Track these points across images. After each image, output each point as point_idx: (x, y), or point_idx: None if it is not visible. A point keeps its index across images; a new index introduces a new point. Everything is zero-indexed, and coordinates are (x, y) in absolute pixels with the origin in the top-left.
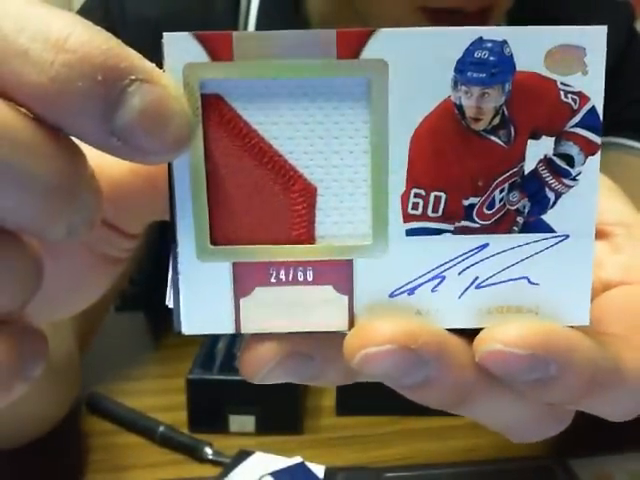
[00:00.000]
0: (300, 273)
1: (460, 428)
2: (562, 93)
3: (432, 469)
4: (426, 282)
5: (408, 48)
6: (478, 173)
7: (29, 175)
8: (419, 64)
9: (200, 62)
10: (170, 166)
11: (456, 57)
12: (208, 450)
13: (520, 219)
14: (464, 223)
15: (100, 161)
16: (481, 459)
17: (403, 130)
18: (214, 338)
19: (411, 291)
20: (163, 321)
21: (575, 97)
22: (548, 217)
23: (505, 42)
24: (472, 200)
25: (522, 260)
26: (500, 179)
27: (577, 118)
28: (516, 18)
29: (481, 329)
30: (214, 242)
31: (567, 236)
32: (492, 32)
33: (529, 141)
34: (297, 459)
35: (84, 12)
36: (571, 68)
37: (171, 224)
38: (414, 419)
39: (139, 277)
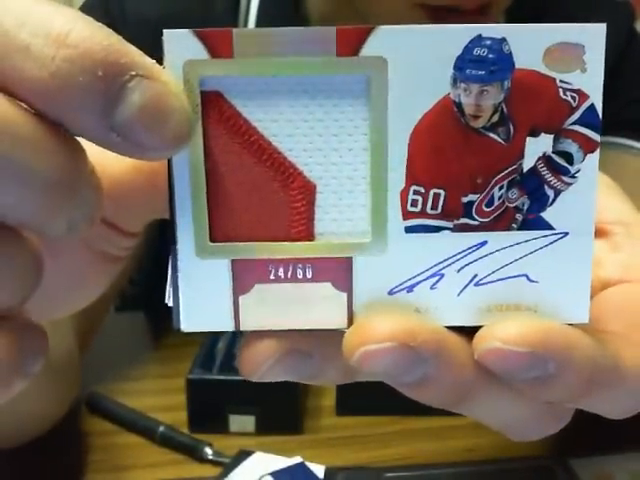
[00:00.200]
0: (299, 270)
1: (460, 428)
2: (561, 91)
3: (432, 469)
4: (425, 279)
5: (407, 45)
6: (477, 170)
7: (30, 170)
8: (418, 61)
9: (200, 59)
10: (170, 163)
11: (455, 54)
12: (208, 450)
13: (519, 216)
14: (463, 220)
15: (100, 159)
16: (481, 459)
17: (402, 127)
18: (214, 338)
19: (410, 288)
20: (163, 321)
21: (574, 95)
22: (547, 215)
23: (504, 40)
24: (471, 197)
25: (521, 258)
26: (499, 176)
27: (576, 116)
28: (515, 17)
29: (480, 327)
30: (213, 239)
31: (566, 234)
32: (491, 29)
33: (528, 138)
34: (297, 459)
35: (84, 11)
36: (570, 66)
37: (170, 221)
38: (414, 419)
39: (139, 277)
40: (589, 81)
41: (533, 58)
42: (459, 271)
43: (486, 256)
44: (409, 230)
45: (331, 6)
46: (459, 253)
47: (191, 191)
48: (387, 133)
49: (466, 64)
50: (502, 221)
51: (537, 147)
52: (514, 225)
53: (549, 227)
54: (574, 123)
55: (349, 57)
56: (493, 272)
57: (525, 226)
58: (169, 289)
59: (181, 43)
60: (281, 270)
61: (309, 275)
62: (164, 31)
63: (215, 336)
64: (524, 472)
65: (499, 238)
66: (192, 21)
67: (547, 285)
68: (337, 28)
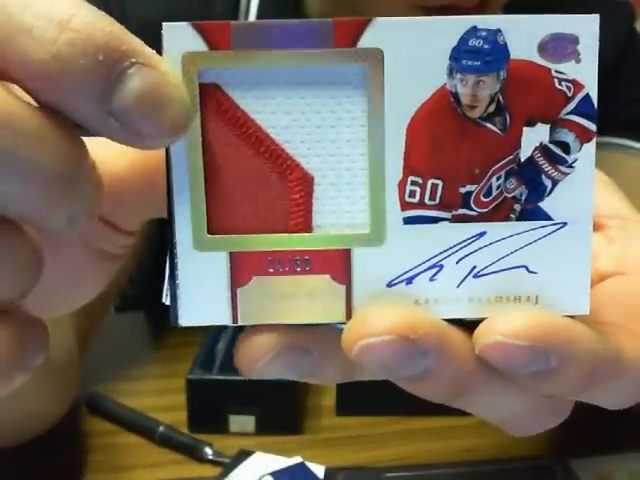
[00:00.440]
0: (298, 263)
1: (460, 428)
2: (556, 81)
3: (432, 469)
4: (424, 271)
5: (404, 37)
6: (474, 161)
7: (32, 163)
8: (415, 53)
9: (198, 51)
10: (168, 155)
11: (451, 45)
12: (208, 450)
13: (517, 207)
14: (461, 211)
15: (100, 156)
16: (481, 459)
17: (399, 118)
18: (214, 338)
19: (409, 280)
20: (163, 321)
21: (569, 85)
22: (545, 205)
23: (499, 31)
24: (469, 188)
25: (520, 248)
26: (496, 166)
27: (572, 105)
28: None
29: (480, 321)
30: (211, 232)
31: (565, 224)
32: (486, 21)
33: (525, 128)
34: (297, 459)
35: None
36: (564, 56)
37: (168, 214)
38: (414, 419)
39: (139, 277)
40: (584, 71)
41: (528, 49)
42: (458, 262)
43: (485, 247)
44: (407, 221)
45: (330, 5)
46: (458, 244)
47: (189, 183)
48: (384, 124)
49: (462, 55)
50: (500, 211)
51: (534, 137)
52: (512, 215)
53: (547, 217)
54: (570, 113)
55: (346, 49)
56: (492, 263)
57: (523, 216)
58: (166, 286)
59: (180, 36)
60: (279, 262)
61: (307, 267)
62: (163, 24)
63: (215, 336)
64: (524, 472)
65: (498, 229)
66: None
67: (547, 276)
68: (334, 20)
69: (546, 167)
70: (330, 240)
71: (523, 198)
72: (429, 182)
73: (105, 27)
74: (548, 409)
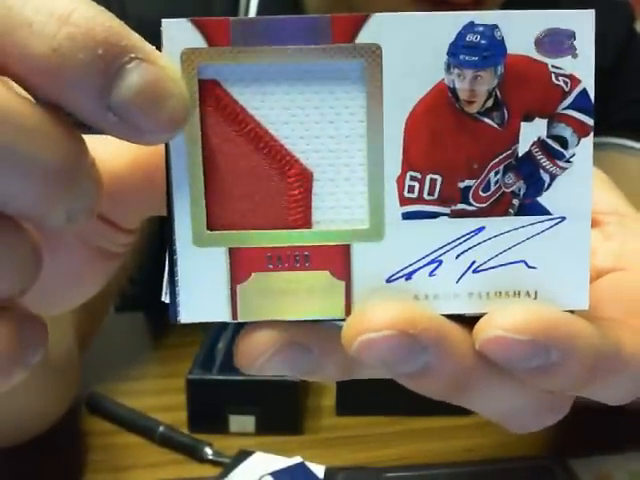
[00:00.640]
0: (297, 258)
1: (460, 428)
2: (553, 76)
3: (432, 469)
4: (423, 266)
5: (402, 32)
6: (473, 155)
7: (32, 160)
8: (413, 48)
9: (198, 47)
10: (167, 151)
11: (448, 41)
12: (208, 450)
13: (516, 201)
14: (460, 206)
15: (99, 154)
16: (481, 459)
17: (398, 113)
18: (214, 338)
19: (408, 276)
20: (163, 321)
21: (566, 79)
22: (544, 199)
23: (496, 26)
24: (467, 183)
25: (519, 243)
26: (495, 161)
27: (569, 100)
28: None
29: (480, 316)
30: (211, 227)
31: (563, 218)
32: (483, 16)
33: (522, 123)
34: (297, 459)
35: None
36: (561, 51)
37: (168, 211)
38: (414, 419)
39: (139, 277)
40: (580, 66)
41: (525, 44)
42: (457, 257)
43: (484, 242)
44: (406, 216)
45: (328, 3)
46: (457, 239)
47: (188, 179)
48: (383, 119)
49: (459, 50)
50: (499, 206)
51: (532, 132)
52: (511, 210)
53: (546, 212)
54: (567, 107)
55: (345, 44)
56: (491, 258)
57: (522, 211)
58: (166, 284)
59: (179, 32)
60: (278, 258)
61: (307, 263)
62: (162, 20)
63: (215, 336)
64: (524, 472)
65: (497, 224)
66: None
67: (546, 271)
68: (332, 16)
69: (544, 162)
70: (329, 236)
71: (521, 193)
72: (428, 177)
73: (105, 22)
74: (547, 406)
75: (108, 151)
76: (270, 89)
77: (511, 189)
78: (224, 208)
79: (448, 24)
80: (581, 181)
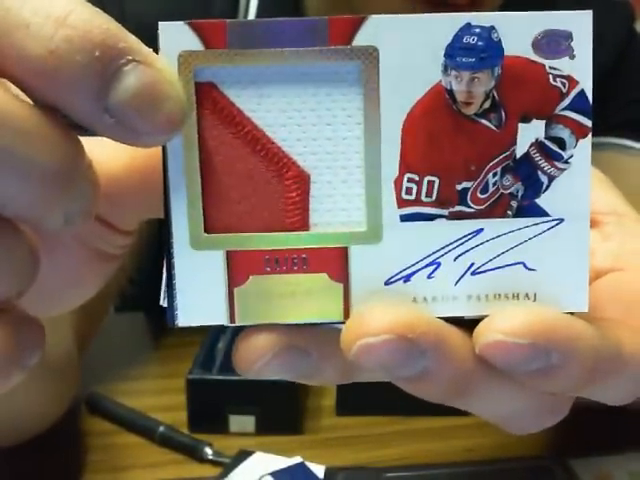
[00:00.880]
0: (295, 261)
1: (460, 428)
2: (551, 77)
3: (432, 469)
4: (422, 269)
5: (399, 34)
6: (470, 157)
7: (29, 162)
8: (410, 50)
9: (194, 50)
10: (164, 154)
11: (446, 42)
12: (208, 450)
13: (514, 203)
14: (458, 208)
15: (96, 156)
16: (481, 459)
17: (395, 116)
18: (214, 338)
19: (407, 278)
20: (163, 321)
21: (564, 81)
22: (542, 201)
23: (493, 27)
24: (465, 184)
25: (518, 245)
26: (492, 163)
27: (567, 101)
28: None
29: (478, 320)
30: (208, 230)
31: (562, 220)
32: (480, 18)
33: (520, 125)
34: (297, 459)
35: None
36: (559, 52)
37: (165, 214)
38: (414, 419)
39: (139, 277)
40: (578, 67)
41: (522, 45)
42: (456, 259)
43: (482, 244)
44: (404, 218)
45: (328, 5)
46: (455, 241)
47: (185, 182)
48: (380, 121)
49: (456, 52)
50: (497, 208)
51: (529, 133)
52: (509, 212)
53: (544, 213)
54: (565, 109)
55: (342, 46)
56: (490, 260)
57: (520, 213)
58: (164, 287)
59: (176, 35)
60: (276, 261)
61: (305, 266)
62: (159, 23)
63: (215, 336)
64: (524, 472)
65: (495, 225)
66: None
67: (545, 273)
68: (329, 18)
69: (542, 163)
70: (327, 238)
71: (519, 194)
72: (425, 179)
73: (102, 24)
74: (547, 407)
75: (105, 153)
76: (267, 91)
77: (509, 191)
78: (221, 211)
79: (445, 26)
80: (579, 183)
